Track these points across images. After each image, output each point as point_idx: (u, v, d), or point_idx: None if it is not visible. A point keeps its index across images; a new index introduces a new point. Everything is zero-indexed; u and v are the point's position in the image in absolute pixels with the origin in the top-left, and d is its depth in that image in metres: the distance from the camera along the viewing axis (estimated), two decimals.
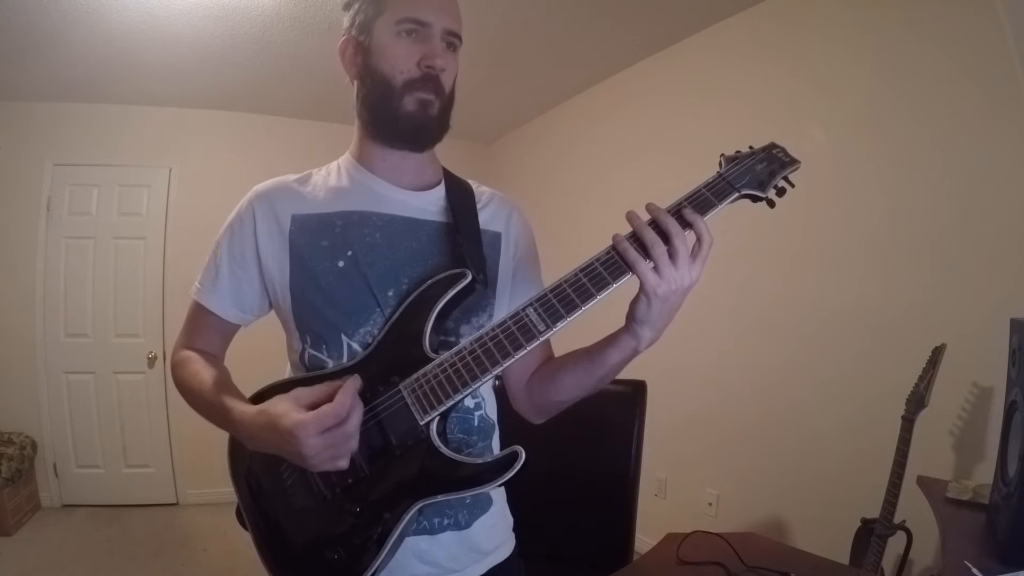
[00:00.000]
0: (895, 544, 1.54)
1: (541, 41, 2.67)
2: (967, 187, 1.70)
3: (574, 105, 3.41)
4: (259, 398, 0.77)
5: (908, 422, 1.49)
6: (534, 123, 3.80)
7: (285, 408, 0.66)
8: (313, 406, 0.66)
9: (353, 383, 0.68)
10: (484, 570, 0.85)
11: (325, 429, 0.64)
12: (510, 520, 0.93)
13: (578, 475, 1.47)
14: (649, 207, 0.66)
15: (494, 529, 0.87)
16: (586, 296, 0.66)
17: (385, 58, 0.78)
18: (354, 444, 0.66)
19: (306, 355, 0.82)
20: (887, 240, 1.89)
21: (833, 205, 2.02)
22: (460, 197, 0.87)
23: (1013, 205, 1.59)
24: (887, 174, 1.90)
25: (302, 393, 0.69)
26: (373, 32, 0.79)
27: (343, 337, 0.79)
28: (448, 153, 0.90)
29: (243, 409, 0.73)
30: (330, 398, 0.66)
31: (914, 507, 1.45)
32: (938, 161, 1.76)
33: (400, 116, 0.79)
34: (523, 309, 0.68)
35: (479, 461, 0.71)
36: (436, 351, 0.74)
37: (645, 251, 0.64)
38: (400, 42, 0.77)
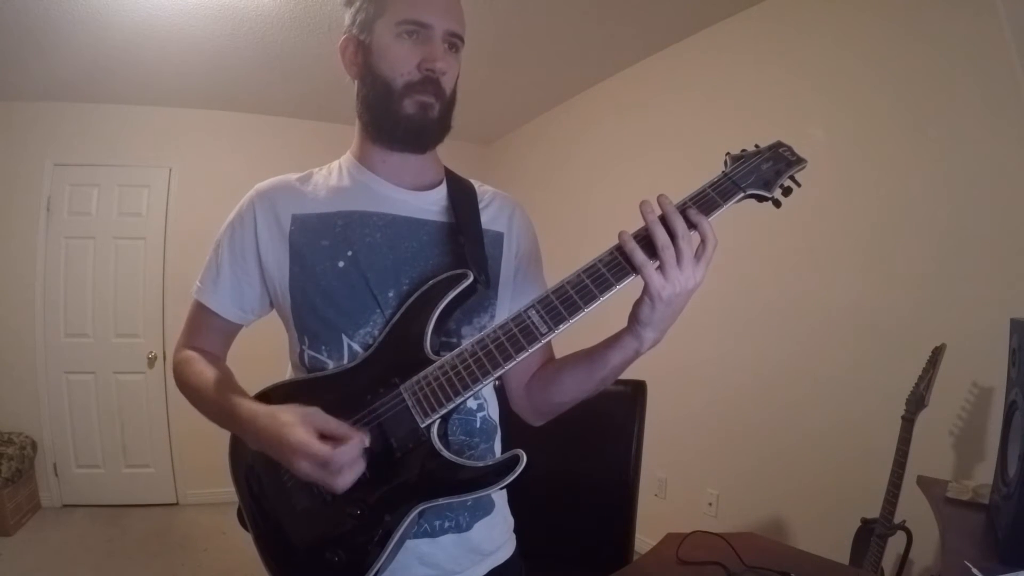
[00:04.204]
0: (895, 544, 1.54)
1: (541, 41, 2.67)
2: (967, 187, 1.69)
3: (574, 105, 3.41)
4: (261, 398, 0.77)
5: (908, 422, 1.49)
6: (534, 123, 3.80)
7: (292, 419, 0.66)
8: (320, 434, 0.65)
9: (359, 443, 0.65)
10: (485, 571, 0.85)
11: (316, 464, 0.64)
12: (511, 521, 0.93)
13: (578, 475, 1.47)
14: (661, 200, 0.65)
15: (495, 531, 0.87)
16: (589, 298, 0.65)
17: (385, 59, 0.78)
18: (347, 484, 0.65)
19: (306, 356, 0.81)
20: (887, 240, 1.89)
21: (833, 205, 2.02)
22: (462, 197, 0.86)
23: (1013, 205, 1.59)
24: (887, 174, 1.90)
25: (315, 416, 0.67)
26: (374, 32, 0.78)
27: (343, 338, 0.79)
28: (448, 153, 0.89)
29: (251, 406, 0.73)
30: (339, 437, 0.65)
31: (914, 507, 1.45)
32: (938, 161, 1.76)
33: (400, 119, 0.78)
34: (525, 310, 0.68)
35: (480, 464, 0.71)
36: (437, 352, 0.73)
37: (651, 251, 0.64)
38: (401, 43, 0.77)
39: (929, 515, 1.27)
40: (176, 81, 3.06)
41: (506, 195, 0.93)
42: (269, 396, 0.77)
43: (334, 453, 0.63)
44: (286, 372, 0.88)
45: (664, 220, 0.64)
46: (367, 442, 0.67)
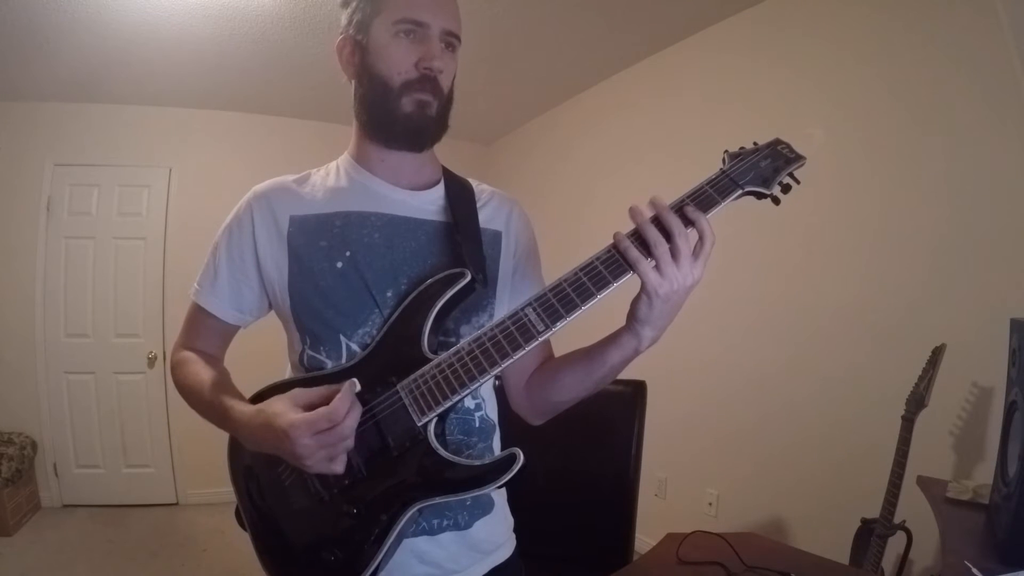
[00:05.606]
0: (895, 544, 1.54)
1: (541, 41, 2.67)
2: (967, 187, 1.69)
3: (574, 105, 3.41)
4: (259, 398, 0.77)
5: (908, 422, 1.49)
6: (534, 123, 3.80)
7: (281, 408, 0.66)
8: (310, 407, 0.66)
9: (350, 387, 0.67)
10: (485, 571, 0.84)
11: (319, 431, 0.64)
12: (511, 521, 0.93)
13: (578, 475, 1.47)
14: (653, 201, 0.65)
15: (495, 530, 0.87)
16: (586, 295, 0.65)
17: (383, 58, 0.78)
18: (348, 446, 0.65)
19: (305, 356, 0.81)
20: (887, 240, 1.89)
21: (833, 205, 2.02)
22: (460, 196, 0.86)
23: (1013, 205, 1.59)
24: (887, 174, 1.89)
25: (300, 394, 0.69)
26: (371, 31, 0.79)
27: (341, 338, 0.79)
28: (448, 153, 0.90)
29: (241, 408, 0.73)
30: (327, 400, 0.66)
31: (914, 507, 1.45)
32: (938, 161, 1.76)
33: (398, 117, 0.78)
34: (522, 309, 0.68)
35: (477, 463, 0.71)
36: (435, 352, 0.73)
37: (647, 249, 0.64)
38: (398, 43, 0.77)
39: (929, 515, 1.27)
40: (176, 81, 3.06)
41: (504, 194, 0.93)
42: (264, 396, 0.77)
43: (330, 409, 0.64)
44: (285, 372, 0.88)
45: (657, 220, 0.64)
46: (358, 385, 0.67)
